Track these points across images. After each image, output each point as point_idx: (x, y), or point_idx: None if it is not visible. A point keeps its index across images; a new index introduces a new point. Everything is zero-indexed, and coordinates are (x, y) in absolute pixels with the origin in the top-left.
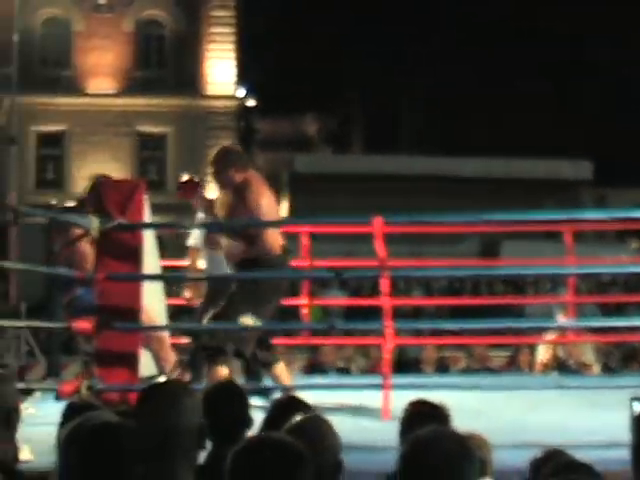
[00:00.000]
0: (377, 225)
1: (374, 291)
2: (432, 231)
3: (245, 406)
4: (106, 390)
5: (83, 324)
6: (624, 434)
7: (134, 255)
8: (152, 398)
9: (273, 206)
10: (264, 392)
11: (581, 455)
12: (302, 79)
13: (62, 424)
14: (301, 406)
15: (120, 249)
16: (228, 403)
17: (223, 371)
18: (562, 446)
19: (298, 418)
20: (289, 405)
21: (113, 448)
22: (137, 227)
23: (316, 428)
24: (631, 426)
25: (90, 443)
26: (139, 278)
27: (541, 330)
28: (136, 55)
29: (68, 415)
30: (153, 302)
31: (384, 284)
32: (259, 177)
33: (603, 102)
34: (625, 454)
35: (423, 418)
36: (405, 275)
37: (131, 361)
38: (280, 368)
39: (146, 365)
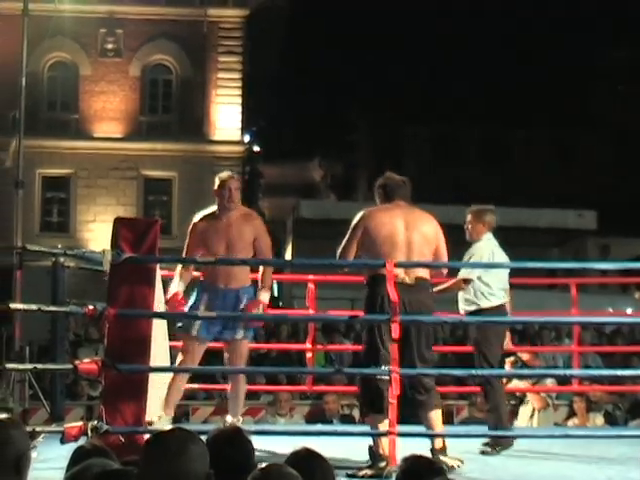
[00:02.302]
0: (389, 269)
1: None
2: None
3: (249, 452)
4: (112, 432)
5: (88, 366)
6: None
7: (146, 293)
8: (158, 445)
9: None
10: None
11: None
12: (307, 125)
13: (69, 468)
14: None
15: (132, 285)
16: (232, 449)
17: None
18: None
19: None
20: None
21: None
22: (149, 261)
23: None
24: None
25: None
26: (152, 315)
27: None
28: (143, 100)
29: (76, 459)
30: (160, 343)
31: (395, 330)
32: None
33: (606, 152)
34: None
35: (419, 474)
36: (413, 321)
37: (138, 403)
38: None
39: (155, 408)
